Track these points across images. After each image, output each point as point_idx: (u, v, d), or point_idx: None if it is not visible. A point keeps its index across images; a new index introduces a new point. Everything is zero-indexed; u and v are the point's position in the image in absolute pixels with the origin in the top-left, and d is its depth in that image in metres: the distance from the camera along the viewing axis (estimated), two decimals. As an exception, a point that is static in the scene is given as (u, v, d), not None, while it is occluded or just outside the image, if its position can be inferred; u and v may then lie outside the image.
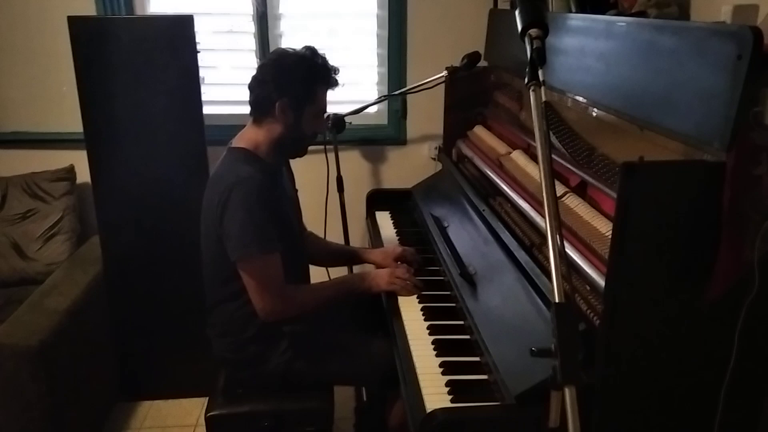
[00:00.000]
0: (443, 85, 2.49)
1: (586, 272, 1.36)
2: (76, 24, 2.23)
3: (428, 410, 1.29)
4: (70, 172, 2.69)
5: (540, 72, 1.07)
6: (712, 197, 1.08)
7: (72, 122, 2.50)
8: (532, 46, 1.10)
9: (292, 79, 1.73)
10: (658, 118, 1.27)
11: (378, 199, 2.62)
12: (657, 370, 1.21)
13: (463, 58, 2.35)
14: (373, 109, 2.83)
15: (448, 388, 1.41)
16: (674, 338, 1.18)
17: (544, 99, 1.05)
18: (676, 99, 1.20)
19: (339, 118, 2.54)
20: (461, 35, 2.59)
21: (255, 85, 1.77)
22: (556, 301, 0.89)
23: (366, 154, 2.89)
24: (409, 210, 2.54)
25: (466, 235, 1.98)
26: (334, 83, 1.81)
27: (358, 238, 2.86)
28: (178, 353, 2.54)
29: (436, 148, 2.78)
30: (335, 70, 1.80)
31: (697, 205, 1.10)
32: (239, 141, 1.82)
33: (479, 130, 2.45)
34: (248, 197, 1.66)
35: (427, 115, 2.77)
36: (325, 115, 1.89)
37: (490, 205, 1.98)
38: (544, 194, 0.94)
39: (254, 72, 1.79)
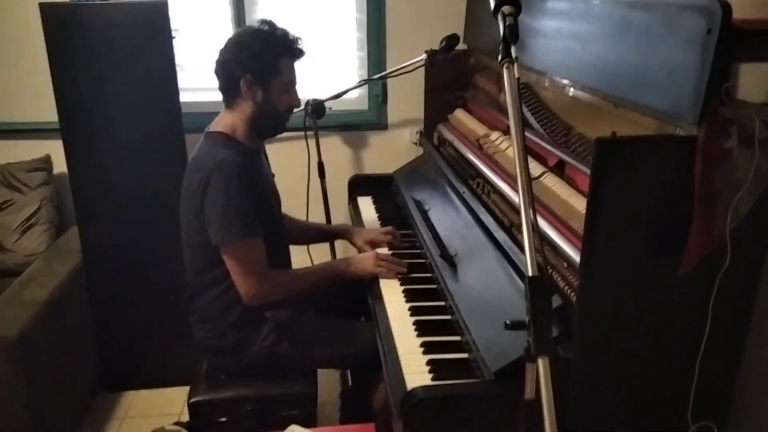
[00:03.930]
0: (423, 69, 2.48)
1: (564, 250, 1.37)
2: (48, 10, 2.19)
3: (409, 388, 1.29)
4: (46, 162, 2.65)
5: (513, 49, 1.07)
6: (684, 171, 1.09)
7: (47, 111, 2.46)
8: (504, 23, 1.10)
9: (252, 53, 1.72)
10: (632, 95, 1.28)
11: (360, 185, 2.62)
12: (633, 343, 1.23)
13: (441, 41, 2.34)
14: (353, 95, 2.82)
15: (428, 367, 1.42)
16: (649, 311, 1.20)
17: (517, 76, 1.05)
18: (649, 75, 1.21)
19: (319, 104, 2.53)
20: (441, 18, 2.57)
21: (219, 69, 1.76)
22: (530, 274, 0.90)
23: (347, 140, 2.88)
24: (391, 195, 2.54)
25: (446, 218, 1.98)
26: (297, 53, 1.79)
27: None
28: (160, 342, 2.52)
29: (417, 132, 2.78)
30: (297, 40, 1.78)
31: (669, 179, 1.11)
32: (216, 126, 1.81)
33: (460, 114, 2.45)
34: (228, 180, 1.65)
35: (407, 99, 2.76)
36: (297, 89, 1.86)
37: (471, 187, 1.99)
38: (517, 169, 0.95)
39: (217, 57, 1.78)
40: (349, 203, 2.60)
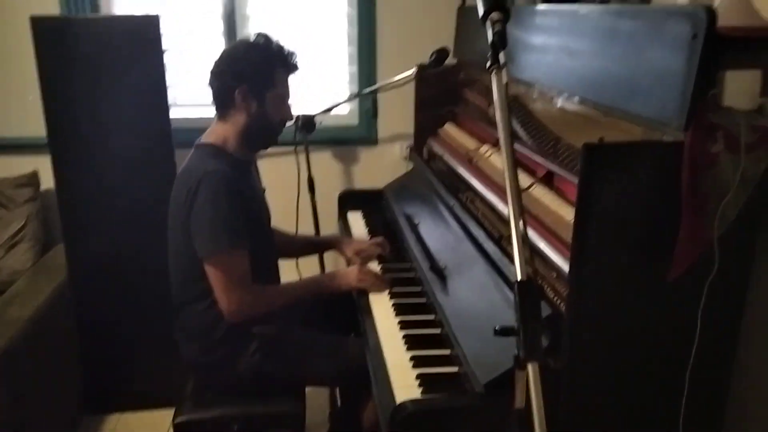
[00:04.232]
0: (413, 84, 2.49)
1: (553, 260, 1.36)
2: (39, 24, 2.18)
3: (398, 402, 1.27)
4: (33, 178, 2.63)
5: (501, 55, 1.07)
6: (672, 177, 1.09)
7: (35, 126, 2.45)
8: (493, 29, 1.10)
9: (248, 65, 1.72)
10: (620, 103, 1.28)
11: (350, 200, 2.61)
12: (622, 352, 1.21)
13: (431, 55, 2.35)
14: (344, 110, 2.83)
15: (418, 381, 1.39)
16: (638, 319, 1.19)
17: (505, 80, 1.05)
18: (637, 82, 1.21)
19: (309, 118, 2.53)
20: (431, 33, 2.58)
21: (213, 80, 1.76)
22: (518, 279, 0.89)
23: (337, 155, 2.88)
24: (381, 210, 2.53)
25: (437, 231, 1.97)
26: (292, 67, 1.79)
27: (330, 240, 2.83)
28: (145, 364, 2.47)
29: (407, 147, 2.78)
30: (292, 54, 1.78)
31: (656, 184, 1.11)
32: (207, 137, 1.80)
33: (450, 128, 2.45)
34: (216, 191, 1.63)
35: (398, 114, 2.76)
36: (290, 103, 1.86)
37: (460, 201, 1.98)
38: (505, 170, 0.94)
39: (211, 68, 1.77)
40: (339, 218, 2.58)
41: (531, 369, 0.84)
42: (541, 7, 1.73)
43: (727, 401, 1.26)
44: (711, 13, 1.01)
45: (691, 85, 1.03)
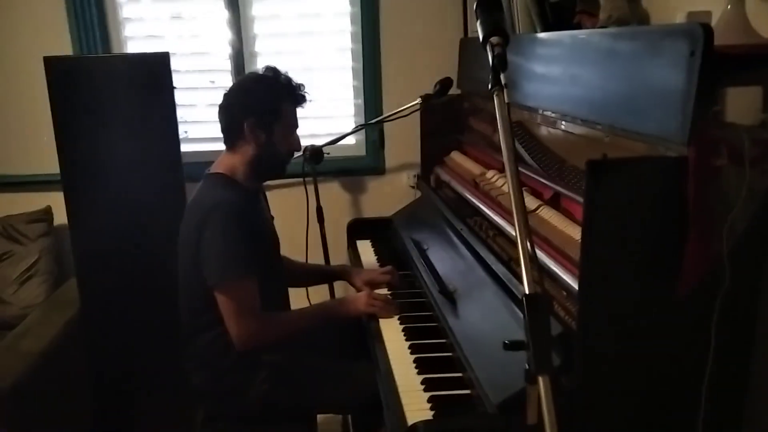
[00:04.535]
0: (419, 114, 2.53)
1: (562, 278, 1.36)
2: (52, 64, 2.25)
3: (409, 423, 1.26)
4: (46, 214, 2.67)
5: (502, 76, 1.10)
6: (677, 192, 1.09)
7: (49, 163, 2.50)
8: (493, 52, 1.13)
9: (256, 98, 1.76)
10: (623, 123, 1.30)
11: (359, 229, 2.62)
12: (636, 368, 1.20)
13: (435, 85, 2.39)
14: (351, 141, 2.87)
15: (430, 404, 1.38)
16: (650, 335, 1.18)
17: (507, 101, 1.07)
18: (638, 101, 1.23)
19: (317, 149, 2.56)
20: (434, 65, 2.63)
21: (222, 113, 1.80)
22: (527, 292, 0.89)
23: (345, 185, 2.91)
24: (390, 238, 2.54)
25: (445, 256, 1.97)
26: (300, 99, 1.83)
27: (340, 269, 2.84)
28: (157, 396, 2.46)
29: (414, 176, 2.80)
30: (300, 86, 1.82)
31: (662, 199, 1.11)
32: (216, 168, 1.83)
33: (456, 156, 2.48)
34: (226, 221, 1.65)
35: (404, 144, 2.80)
36: (298, 134, 1.89)
37: (468, 225, 1.99)
38: (510, 184, 0.95)
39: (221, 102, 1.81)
40: (348, 247, 2.59)
41: (542, 382, 0.84)
42: (542, 35, 1.76)
43: (744, 416, 1.24)
44: (708, 30, 1.03)
45: (692, 100, 1.05)
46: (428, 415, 1.33)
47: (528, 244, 0.93)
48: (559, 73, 1.61)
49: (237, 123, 1.76)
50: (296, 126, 1.86)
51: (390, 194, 2.84)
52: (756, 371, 1.22)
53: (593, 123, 1.44)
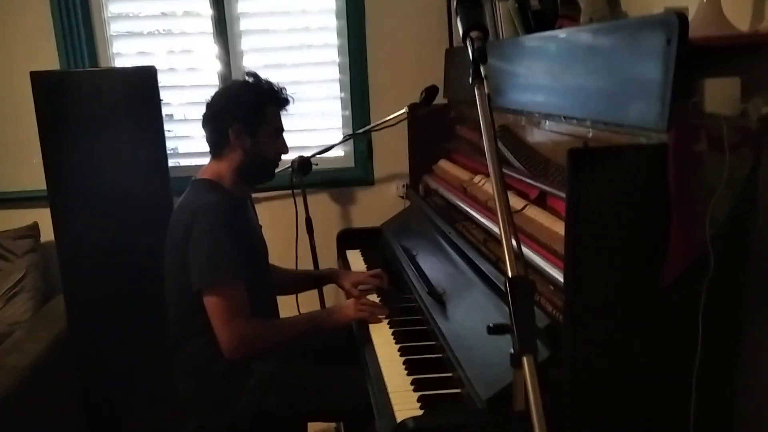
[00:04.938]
0: (407, 124, 2.54)
1: (549, 273, 1.36)
2: (38, 79, 2.25)
3: (398, 421, 1.24)
4: (33, 230, 2.65)
5: (482, 69, 1.11)
6: (659, 179, 1.10)
7: (35, 179, 2.49)
8: (473, 46, 1.15)
9: (239, 103, 1.77)
10: (604, 116, 1.31)
11: (348, 239, 2.62)
12: (624, 359, 1.19)
13: (421, 93, 2.41)
14: (339, 153, 2.88)
15: (419, 404, 1.37)
16: (638, 324, 1.17)
17: (487, 92, 1.08)
18: (619, 93, 1.24)
19: (305, 160, 2.57)
20: (421, 77, 2.64)
21: (206, 121, 1.81)
22: (509, 275, 0.89)
23: (334, 196, 2.91)
24: (380, 247, 2.53)
25: (434, 260, 1.97)
26: (283, 101, 1.84)
27: (330, 280, 2.83)
28: (146, 411, 2.42)
29: (403, 185, 2.81)
30: (282, 89, 1.83)
31: (644, 187, 1.12)
32: (202, 174, 1.83)
33: (444, 164, 2.49)
34: (213, 223, 1.65)
35: (393, 155, 2.81)
36: (285, 137, 1.90)
37: (457, 229, 1.99)
38: (491, 171, 0.96)
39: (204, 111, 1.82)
40: (338, 258, 2.58)
41: (526, 363, 0.83)
42: (523, 37, 1.79)
43: (736, 405, 1.23)
44: (682, 18, 1.05)
45: (669, 87, 1.06)
46: (418, 413, 1.32)
47: (509, 228, 0.93)
48: (541, 74, 1.63)
49: (222, 130, 1.77)
50: (282, 129, 1.87)
51: (379, 205, 2.84)
52: (746, 358, 1.21)
53: (576, 119, 1.45)
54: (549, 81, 1.58)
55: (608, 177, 1.10)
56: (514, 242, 0.92)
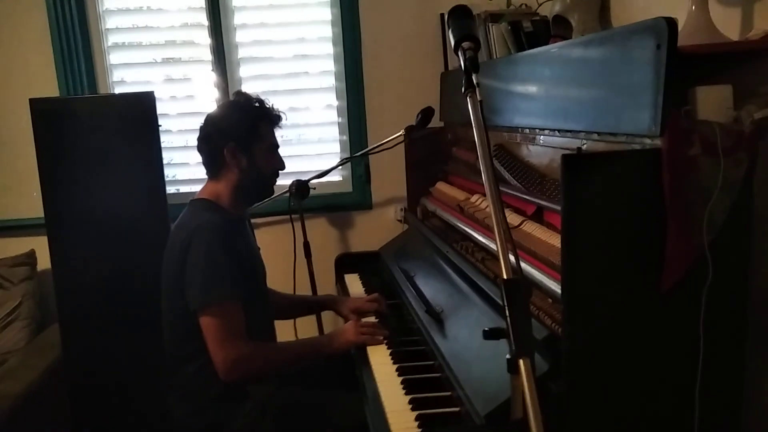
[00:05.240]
0: (404, 148, 2.55)
1: (547, 285, 1.34)
2: (37, 106, 2.26)
3: (395, 439, 1.21)
4: (30, 257, 2.63)
5: (474, 77, 1.12)
6: (654, 184, 1.09)
7: (33, 207, 2.48)
8: (465, 56, 1.16)
9: (232, 123, 1.77)
10: (598, 126, 1.31)
11: (346, 263, 2.61)
12: (624, 370, 1.16)
13: (417, 115, 2.42)
14: (337, 177, 2.88)
15: (417, 422, 1.34)
16: (637, 333, 1.15)
17: (479, 99, 1.09)
18: (612, 102, 1.24)
19: (303, 184, 2.57)
20: (417, 100, 2.66)
21: (201, 144, 1.81)
22: (504, 278, 0.88)
23: (332, 221, 2.90)
24: (378, 271, 2.51)
25: (432, 280, 1.95)
26: (276, 118, 1.84)
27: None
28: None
29: (402, 209, 2.80)
30: (273, 106, 1.84)
31: (639, 192, 1.11)
32: (200, 194, 1.83)
33: (441, 186, 2.49)
34: (210, 242, 1.63)
35: (391, 179, 2.81)
36: (280, 153, 1.90)
37: (454, 249, 1.98)
38: (484, 176, 0.95)
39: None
40: (336, 282, 2.56)
41: (523, 366, 0.81)
42: (515, 55, 1.80)
43: (742, 413, 1.20)
44: (671, 23, 1.06)
45: (661, 91, 1.06)
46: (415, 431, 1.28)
47: (504, 232, 0.92)
48: (535, 90, 1.64)
49: (217, 151, 1.77)
50: (277, 145, 1.87)
51: (377, 229, 2.83)
52: (750, 365, 1.19)
53: (570, 132, 1.45)
54: (542, 96, 1.58)
55: (603, 183, 1.10)
56: (508, 245, 0.91)
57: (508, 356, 0.84)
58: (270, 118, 1.82)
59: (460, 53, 1.18)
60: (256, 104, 1.81)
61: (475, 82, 1.11)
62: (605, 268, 1.13)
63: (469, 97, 1.11)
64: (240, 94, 1.84)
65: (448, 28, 1.23)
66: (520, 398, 0.85)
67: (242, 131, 1.77)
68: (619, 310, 1.14)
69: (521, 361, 0.81)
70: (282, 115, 1.85)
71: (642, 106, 1.12)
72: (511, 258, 0.91)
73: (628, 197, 1.11)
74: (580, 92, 1.37)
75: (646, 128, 1.12)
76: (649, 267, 1.11)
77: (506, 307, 0.85)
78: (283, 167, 1.87)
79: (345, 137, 2.87)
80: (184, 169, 2.86)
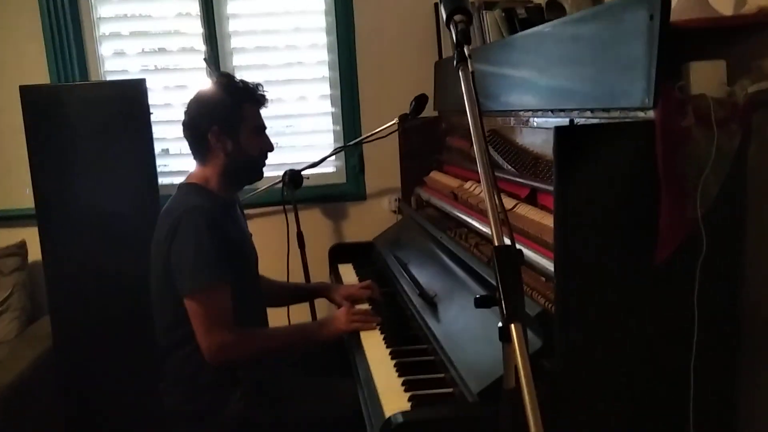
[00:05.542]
0: (398, 137, 2.54)
1: (540, 265, 1.33)
2: (28, 93, 2.24)
3: (387, 416, 1.19)
4: (21, 248, 2.60)
5: (466, 49, 1.10)
6: (648, 156, 1.08)
7: (24, 197, 2.46)
8: (456, 29, 1.14)
9: (215, 105, 1.74)
10: (591, 103, 1.30)
11: (340, 253, 2.59)
12: (618, 346, 1.15)
13: (411, 102, 2.41)
14: (331, 168, 2.87)
15: (410, 403, 1.32)
16: (631, 309, 1.14)
17: (471, 70, 1.07)
18: (605, 77, 1.23)
19: (296, 173, 2.55)
20: (411, 90, 2.64)
21: (186, 129, 1.78)
22: (496, 245, 0.86)
23: (326, 212, 2.88)
24: (372, 262, 2.50)
25: (426, 266, 1.94)
26: (261, 98, 1.81)
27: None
28: (131, 432, 2.35)
29: (396, 200, 2.79)
30: (258, 86, 1.81)
31: (633, 164, 1.10)
32: (189, 179, 1.80)
33: (435, 175, 2.48)
34: (197, 225, 1.61)
35: (385, 169, 2.79)
36: (267, 134, 1.87)
37: (448, 235, 1.96)
38: (475, 145, 0.94)
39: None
40: (330, 273, 2.55)
41: (515, 330, 0.80)
42: (508, 37, 1.79)
43: (736, 390, 1.19)
44: (664, -7, 1.04)
45: (654, 62, 1.05)
46: (407, 408, 1.27)
47: (496, 200, 0.91)
48: (528, 71, 1.63)
49: (202, 135, 1.74)
50: (263, 126, 1.84)
51: (371, 220, 2.82)
52: (746, 341, 1.18)
53: (563, 111, 1.44)
54: (536, 77, 1.57)
55: (595, 154, 1.08)
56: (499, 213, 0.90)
57: (499, 324, 0.83)
58: (255, 98, 1.79)
59: (451, 26, 1.16)
60: (239, 85, 1.78)
61: (467, 54, 1.09)
62: (598, 242, 1.11)
63: (461, 70, 1.10)
64: (223, 76, 1.82)
65: (440, 2, 1.21)
66: (512, 368, 0.84)
67: (226, 114, 1.74)
68: (612, 284, 1.13)
69: (513, 326, 0.80)
70: (267, 95, 1.82)
71: (635, 79, 1.11)
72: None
73: (622, 169, 1.10)
74: (573, 70, 1.36)
75: (639, 101, 1.10)
76: (642, 239, 1.10)
77: (497, 273, 0.83)
78: (271, 148, 1.84)
79: (339, 127, 2.86)
80: (178, 159, 2.84)
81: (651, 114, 1.09)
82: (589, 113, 1.32)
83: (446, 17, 1.18)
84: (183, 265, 1.61)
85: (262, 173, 1.86)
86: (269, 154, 1.84)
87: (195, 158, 1.82)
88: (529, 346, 0.83)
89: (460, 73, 1.11)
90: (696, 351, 1.13)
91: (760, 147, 1.17)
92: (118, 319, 2.31)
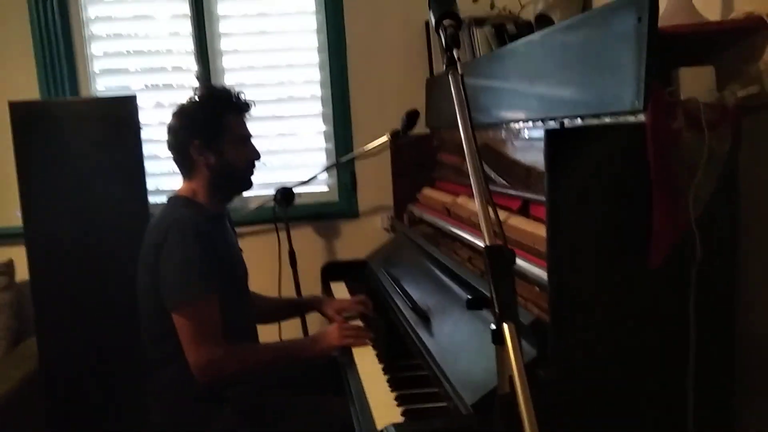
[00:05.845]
0: (390, 155, 2.53)
1: (533, 273, 1.31)
2: (17, 109, 2.23)
3: (379, 428, 1.16)
4: (8, 267, 2.56)
5: (455, 53, 1.10)
6: (639, 159, 1.07)
7: (12, 216, 2.43)
8: (446, 33, 1.14)
9: (196, 118, 1.72)
10: (581, 109, 1.29)
11: (333, 271, 2.56)
12: (614, 353, 1.13)
13: (402, 118, 2.41)
14: (323, 187, 2.86)
15: (403, 417, 1.29)
16: (626, 316, 1.12)
17: (461, 73, 1.07)
18: (595, 83, 1.23)
19: (287, 191, 2.54)
20: (402, 107, 2.65)
21: (169, 145, 1.76)
22: (487, 244, 0.85)
23: (319, 230, 2.86)
24: (365, 279, 2.47)
25: (419, 281, 1.92)
26: (243, 106, 1.78)
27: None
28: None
29: (388, 217, 2.77)
30: (239, 94, 1.78)
31: (625, 168, 1.09)
32: (178, 192, 1.78)
33: (428, 191, 2.47)
34: (185, 236, 1.58)
35: (377, 187, 2.78)
36: (253, 142, 1.84)
37: (441, 250, 1.95)
38: (465, 145, 0.93)
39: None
40: (322, 291, 2.51)
41: (508, 330, 0.77)
42: (497, 50, 1.80)
43: (735, 394, 1.16)
44: (652, -4, 1.04)
45: (643, 64, 1.05)
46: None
47: (486, 200, 0.89)
48: (517, 82, 1.63)
49: (184, 149, 1.72)
50: (248, 135, 1.81)
51: (364, 238, 2.79)
52: (743, 345, 1.15)
53: (553, 119, 1.43)
54: (526, 87, 1.57)
55: (586, 157, 1.07)
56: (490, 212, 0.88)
57: (492, 326, 0.81)
58: (237, 107, 1.76)
59: (441, 31, 1.16)
60: (220, 95, 1.76)
61: (456, 57, 1.09)
62: (590, 245, 1.10)
63: (451, 74, 1.10)
64: (204, 88, 1.81)
65: (429, 7, 1.22)
66: (505, 372, 0.82)
67: (206, 126, 1.71)
68: (606, 291, 1.11)
69: (506, 326, 0.77)
70: (251, 103, 1.80)
71: (624, 82, 1.10)
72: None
73: (613, 172, 1.09)
74: (562, 78, 1.36)
75: (629, 104, 1.10)
76: (635, 244, 1.09)
77: (489, 273, 0.82)
78: (257, 157, 1.81)
79: (331, 145, 2.85)
80: (169, 178, 2.81)
81: (642, 117, 1.09)
82: (579, 120, 1.31)
83: (435, 22, 1.18)
84: (170, 276, 1.58)
85: (251, 182, 1.84)
86: (258, 163, 1.82)
87: (181, 173, 1.80)
88: (523, 355, 0.81)
89: (450, 77, 1.10)
90: (693, 357, 1.10)
91: (751, 152, 1.17)
92: (105, 340, 2.27)
